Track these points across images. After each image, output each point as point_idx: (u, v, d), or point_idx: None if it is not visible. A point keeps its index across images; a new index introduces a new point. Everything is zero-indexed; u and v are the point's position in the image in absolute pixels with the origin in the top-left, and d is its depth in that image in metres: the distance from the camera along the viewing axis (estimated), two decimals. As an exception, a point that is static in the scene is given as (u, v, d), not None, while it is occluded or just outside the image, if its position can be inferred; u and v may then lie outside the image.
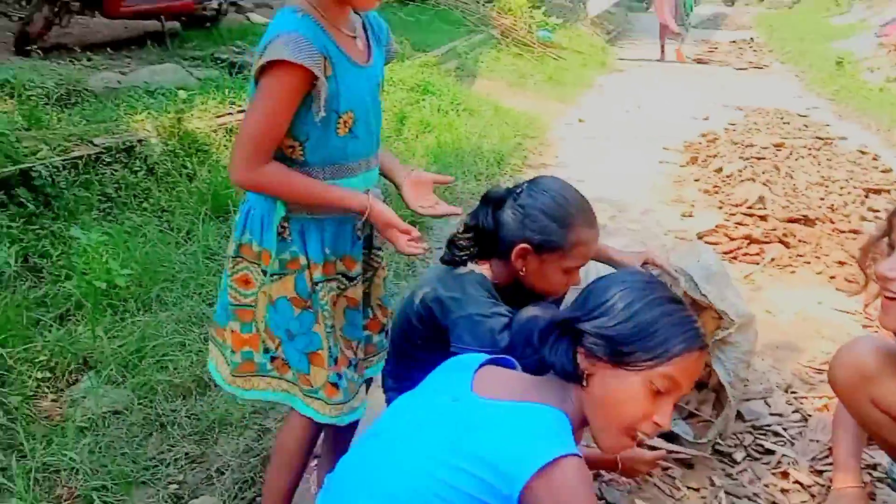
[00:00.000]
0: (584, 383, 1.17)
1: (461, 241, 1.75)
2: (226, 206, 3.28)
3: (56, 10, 4.72)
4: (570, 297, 2.17)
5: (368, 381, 1.72)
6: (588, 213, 1.83)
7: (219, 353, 1.53)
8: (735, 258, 3.46)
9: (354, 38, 1.41)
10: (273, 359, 1.48)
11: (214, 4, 5.92)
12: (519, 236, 1.71)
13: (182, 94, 3.93)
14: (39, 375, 2.01)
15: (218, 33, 5.92)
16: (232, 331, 1.48)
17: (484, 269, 1.78)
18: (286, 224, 1.41)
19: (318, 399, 1.47)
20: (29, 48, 4.60)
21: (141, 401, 2.01)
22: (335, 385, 1.47)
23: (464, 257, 1.75)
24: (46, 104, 3.77)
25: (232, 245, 1.47)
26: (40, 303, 2.38)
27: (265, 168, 1.33)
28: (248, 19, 7.31)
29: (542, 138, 5.80)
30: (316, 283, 1.43)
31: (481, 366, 1.24)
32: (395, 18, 9.03)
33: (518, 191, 1.77)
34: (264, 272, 1.44)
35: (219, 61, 5.19)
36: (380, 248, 1.60)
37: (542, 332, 1.22)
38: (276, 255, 1.42)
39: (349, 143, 1.40)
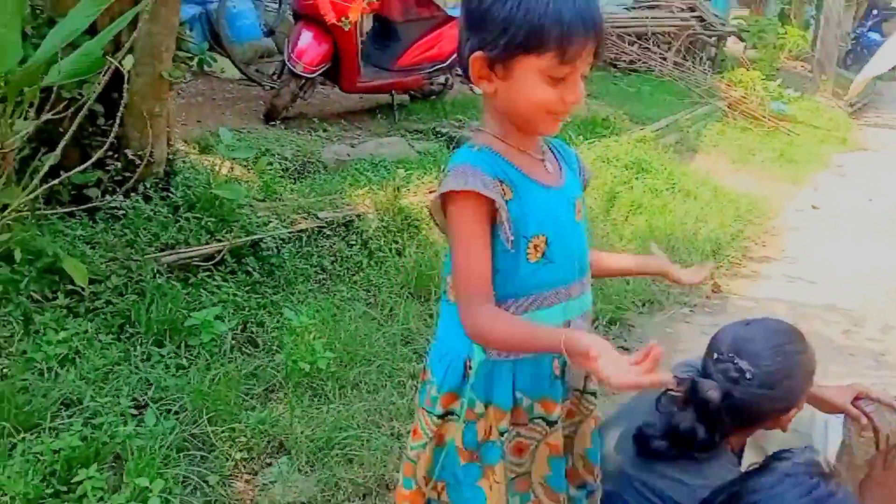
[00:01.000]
0: None
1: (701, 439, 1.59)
2: (428, 286, 3.34)
3: (302, 84, 5.19)
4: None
5: None
6: (809, 349, 1.69)
7: None
8: None
9: (542, 160, 1.35)
10: None
11: (442, 79, 6.21)
12: (768, 411, 1.61)
13: (401, 171, 4.11)
14: (238, 456, 2.12)
15: (441, 106, 6.19)
16: (397, 483, 1.46)
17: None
18: (472, 366, 1.34)
19: None
20: (275, 120, 5.09)
21: (324, 494, 2.05)
22: None
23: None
24: (282, 176, 4.13)
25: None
26: (251, 375, 2.53)
27: (485, 313, 1.24)
28: (472, 90, 7.59)
29: (767, 226, 5.35)
30: (501, 434, 1.34)
31: None
32: (615, 88, 8.95)
33: (734, 375, 1.59)
34: (439, 416, 1.37)
35: (439, 135, 5.41)
36: (594, 394, 1.47)
37: None
38: (458, 396, 1.35)
39: (542, 269, 1.31)
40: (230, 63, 6.29)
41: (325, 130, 5.17)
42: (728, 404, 1.57)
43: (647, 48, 9.80)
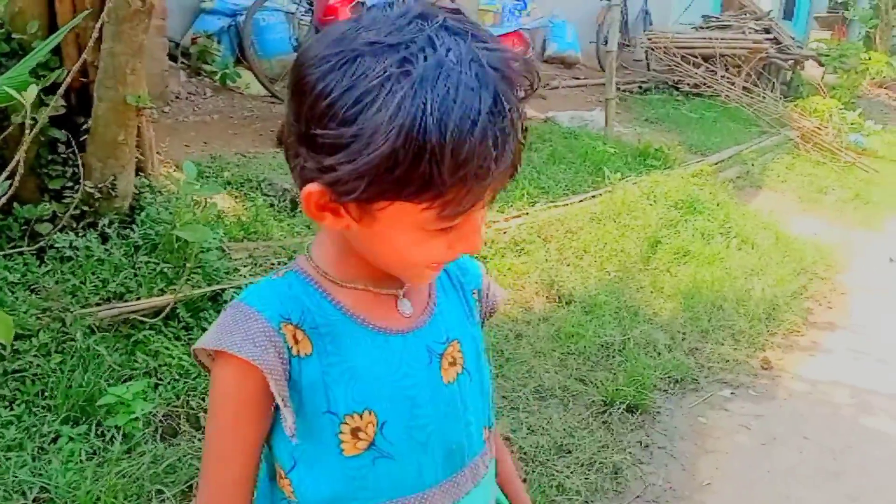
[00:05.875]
0: None
1: None
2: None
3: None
4: None
5: None
6: None
7: None
8: None
9: (396, 296, 0.88)
10: None
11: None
12: None
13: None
14: None
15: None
16: None
17: None
18: None
19: None
20: (287, 142, 4.71)
21: None
22: None
23: None
24: (274, 205, 3.72)
25: None
26: (170, 469, 2.10)
27: None
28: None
29: (835, 282, 4.68)
30: None
31: None
32: (676, 114, 8.35)
33: None
34: None
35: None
36: None
37: None
38: None
39: (372, 469, 0.83)
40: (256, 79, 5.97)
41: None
42: None
43: (713, 71, 9.13)
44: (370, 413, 0.83)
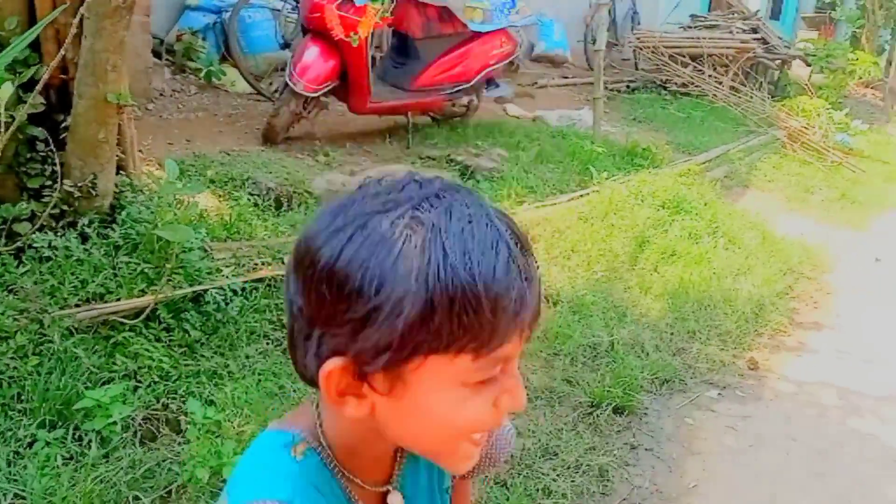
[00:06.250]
0: None
1: None
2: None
3: (305, 103, 4.75)
4: None
5: None
6: None
7: None
8: None
9: (385, 491, 0.81)
10: None
11: (465, 101, 5.71)
12: None
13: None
14: None
15: (463, 130, 5.67)
16: None
17: None
18: None
19: None
20: (274, 142, 4.67)
21: None
22: None
23: None
24: (258, 204, 3.68)
25: None
26: (148, 474, 2.06)
27: None
28: (506, 111, 7.08)
29: (821, 281, 4.68)
30: None
31: None
32: (663, 113, 8.34)
33: None
34: None
35: (453, 162, 4.91)
36: None
37: None
38: None
39: None
40: (242, 76, 5.92)
41: (326, 155, 4.72)
42: None
43: (701, 70, 9.13)
44: None
